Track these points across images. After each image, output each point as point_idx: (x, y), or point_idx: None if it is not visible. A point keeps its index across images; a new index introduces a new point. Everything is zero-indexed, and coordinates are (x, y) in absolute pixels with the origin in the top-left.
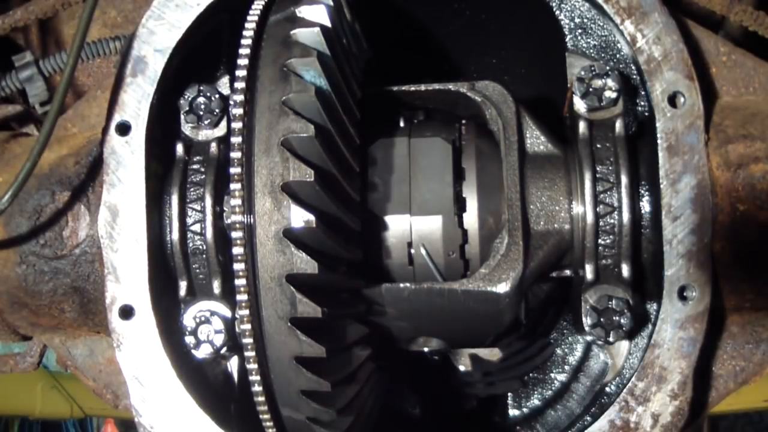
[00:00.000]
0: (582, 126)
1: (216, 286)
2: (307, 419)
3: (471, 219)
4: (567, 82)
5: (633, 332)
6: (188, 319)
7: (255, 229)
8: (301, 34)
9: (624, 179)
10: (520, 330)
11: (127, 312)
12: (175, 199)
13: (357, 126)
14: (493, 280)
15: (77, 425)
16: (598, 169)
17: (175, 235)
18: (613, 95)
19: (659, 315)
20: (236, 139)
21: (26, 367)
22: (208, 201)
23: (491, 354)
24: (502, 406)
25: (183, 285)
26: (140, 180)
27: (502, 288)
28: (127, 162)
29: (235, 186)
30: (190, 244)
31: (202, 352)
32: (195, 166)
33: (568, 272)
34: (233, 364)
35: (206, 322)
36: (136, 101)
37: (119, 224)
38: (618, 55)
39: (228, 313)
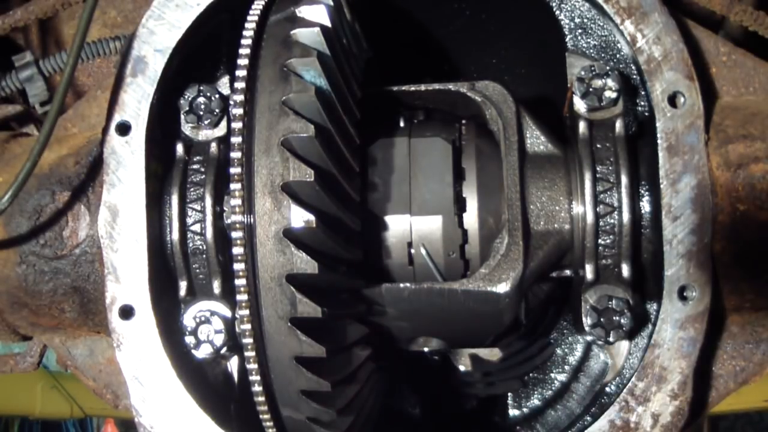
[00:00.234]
0: (582, 126)
1: (216, 286)
2: (307, 419)
3: (471, 219)
4: (567, 82)
5: (633, 332)
6: (188, 319)
7: (255, 229)
8: (301, 34)
9: (624, 179)
10: (520, 330)
11: (127, 312)
12: (175, 199)
13: (357, 126)
14: (493, 280)
15: (77, 425)
16: (598, 169)
17: (175, 235)
18: (613, 95)
19: (659, 315)
20: (236, 139)
21: (26, 367)
22: (208, 201)
23: (491, 354)
24: (502, 406)
25: (183, 285)
26: (140, 180)
27: (502, 288)
28: (127, 162)
29: (235, 186)
30: (190, 244)
31: (202, 352)
32: (195, 166)
33: (568, 272)
34: (233, 364)
35: (206, 322)
36: (136, 101)
37: (119, 224)
38: (618, 55)
39: (228, 313)
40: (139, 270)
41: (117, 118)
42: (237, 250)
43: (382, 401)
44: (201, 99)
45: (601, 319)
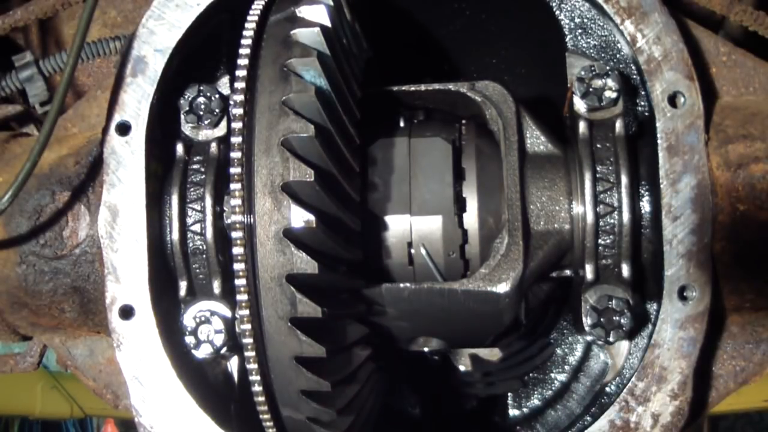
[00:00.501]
0: (582, 126)
1: (216, 286)
2: (307, 419)
3: (471, 219)
4: (567, 82)
5: (633, 332)
6: (188, 319)
7: (255, 229)
8: (301, 34)
9: (624, 179)
10: (520, 330)
11: (127, 312)
12: (175, 199)
13: (357, 126)
14: (493, 280)
15: (77, 425)
16: (598, 169)
17: (175, 235)
18: (613, 95)
19: (659, 315)
20: (236, 139)
21: (26, 367)
22: (208, 201)
23: (491, 354)
24: (502, 406)
25: (183, 285)
26: (140, 180)
27: (502, 288)
28: (127, 162)
29: (235, 186)
30: (190, 244)
31: (202, 352)
32: (195, 166)
33: (568, 272)
34: (233, 364)
35: (206, 322)
36: (136, 101)
37: (119, 224)
38: (618, 55)
39: (228, 313)
40: (139, 270)
41: (117, 118)
42: (237, 250)
43: (382, 401)
44: (201, 99)
45: (601, 319)
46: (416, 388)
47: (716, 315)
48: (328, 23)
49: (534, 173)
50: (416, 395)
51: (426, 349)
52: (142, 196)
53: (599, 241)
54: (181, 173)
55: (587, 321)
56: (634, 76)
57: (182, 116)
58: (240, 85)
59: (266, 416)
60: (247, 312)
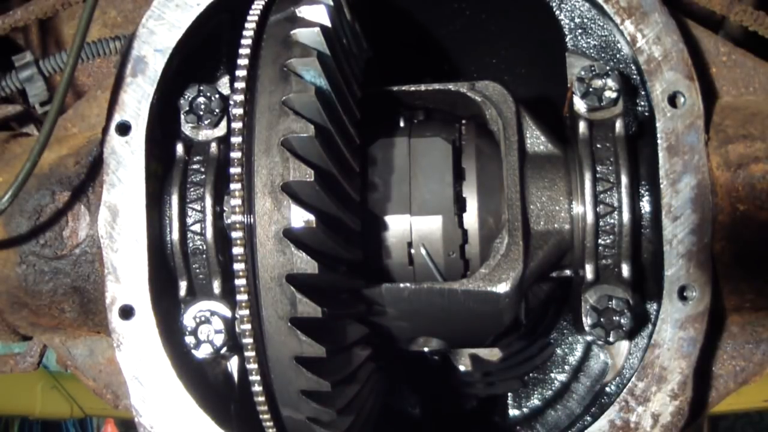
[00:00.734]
0: (582, 126)
1: (216, 286)
2: (307, 419)
3: (471, 219)
4: (567, 82)
5: (633, 332)
6: (188, 319)
7: (255, 229)
8: (301, 34)
9: (624, 179)
10: (520, 330)
11: (127, 312)
12: (175, 199)
13: (357, 126)
14: (493, 280)
15: (77, 425)
16: (598, 169)
17: (175, 235)
18: (613, 95)
19: (659, 315)
20: (236, 139)
21: (26, 367)
22: (208, 201)
23: (491, 354)
24: (502, 406)
25: (183, 285)
26: (140, 180)
27: (502, 288)
28: (127, 162)
29: (235, 186)
30: (190, 244)
31: (202, 352)
32: (195, 166)
33: (568, 272)
34: (233, 364)
35: (206, 322)
36: (136, 101)
37: (119, 224)
38: (618, 55)
39: (228, 313)
40: (139, 270)
41: (117, 118)
42: (237, 250)
43: (382, 401)
44: (201, 99)
45: (601, 319)
46: (416, 388)
47: (716, 315)
48: (328, 23)
49: (534, 173)
50: (416, 395)
51: (426, 349)
52: (142, 196)
53: (599, 241)
54: (181, 173)
55: (587, 321)
56: (634, 76)
57: (182, 116)
58: (240, 85)
59: (266, 416)
60: (247, 312)
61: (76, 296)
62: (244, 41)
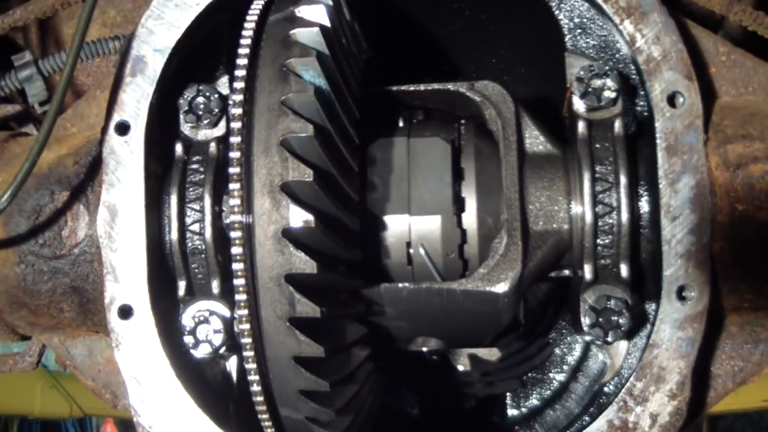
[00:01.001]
0: (581, 126)
1: (215, 286)
2: (306, 419)
3: (470, 219)
4: (566, 82)
5: (631, 332)
6: (187, 319)
7: (254, 229)
8: (300, 33)
9: (623, 179)
10: (518, 330)
11: (126, 312)
12: (174, 199)
13: (356, 126)
14: (491, 280)
15: (76, 425)
16: (597, 169)
17: (174, 235)
18: (612, 95)
19: (658, 315)
20: (235, 139)
21: (25, 366)
22: (207, 201)
23: (490, 354)
24: (501, 405)
25: (182, 285)
26: (139, 180)
27: (501, 288)
28: (126, 162)
29: (234, 186)
30: (189, 244)
31: (201, 352)
32: (194, 166)
33: (566, 272)
34: (232, 364)
35: (205, 321)
36: (136, 101)
37: (118, 224)
38: (617, 55)
39: (227, 313)
40: (138, 270)
41: (116, 118)
42: (236, 250)
43: (381, 401)
44: (200, 99)
45: (600, 319)
46: (415, 388)
47: (715, 315)
48: (327, 23)
49: (533, 173)
50: (415, 395)
51: (425, 349)
52: (141, 196)
53: (598, 241)
54: (180, 173)
55: (586, 321)
56: (634, 76)
57: (181, 116)
58: (239, 84)
59: (265, 416)
60: (245, 312)
61: (74, 296)
62: (243, 41)
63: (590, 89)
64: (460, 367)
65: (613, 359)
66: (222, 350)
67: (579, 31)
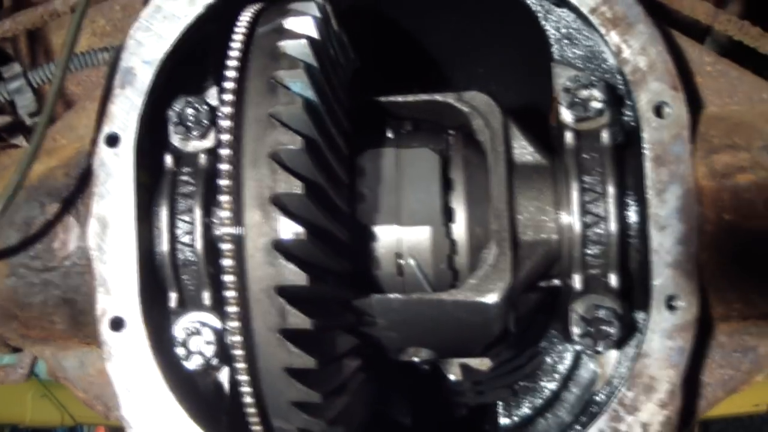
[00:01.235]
0: (568, 136)
1: (206, 298)
2: (298, 430)
3: (459, 229)
4: (553, 92)
5: (621, 341)
6: (178, 331)
7: (244, 241)
8: (288, 45)
9: (611, 189)
10: (509, 339)
11: (117, 324)
12: (164, 211)
13: (345, 137)
14: (482, 290)
15: None
16: (585, 179)
17: (165, 247)
18: (599, 105)
19: (647, 324)
20: (224, 151)
21: (17, 378)
22: (198, 212)
23: (481, 363)
24: (492, 414)
25: (173, 296)
26: (130, 191)
27: (491, 298)
28: (116, 173)
29: (224, 198)
30: (180, 256)
31: (193, 364)
32: (184, 178)
33: (556, 282)
34: (224, 376)
35: (196, 333)
36: (125, 113)
37: (109, 236)
38: (604, 65)
39: (218, 325)
40: (129, 282)
41: (106, 130)
42: (226, 262)
43: (372, 411)
44: (189, 110)
45: (590, 329)
46: (407, 398)
47: (704, 324)
48: (315, 35)
49: (522, 183)
50: (406, 405)
51: (416, 359)
52: (131, 208)
53: (587, 250)
54: (171, 185)
55: (576, 331)
56: (621, 87)
57: (171, 127)
58: (228, 97)
59: (257, 428)
60: (236, 324)
61: (66, 308)
62: (231, 53)
63: (577, 99)
64: (452, 377)
65: (603, 368)
66: (214, 362)
67: (566, 41)
